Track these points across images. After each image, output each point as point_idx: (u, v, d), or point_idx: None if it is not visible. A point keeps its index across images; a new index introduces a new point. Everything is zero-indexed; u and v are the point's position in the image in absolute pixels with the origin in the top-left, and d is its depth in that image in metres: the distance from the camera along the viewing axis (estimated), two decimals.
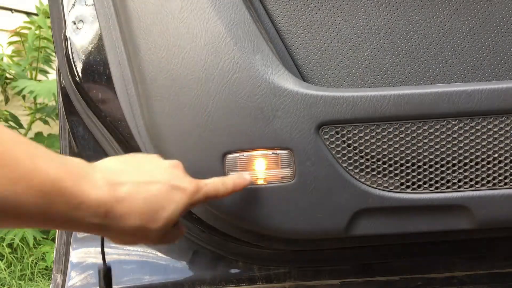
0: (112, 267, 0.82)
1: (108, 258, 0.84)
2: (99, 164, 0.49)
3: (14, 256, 2.70)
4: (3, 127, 0.41)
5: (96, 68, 0.78)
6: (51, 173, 0.42)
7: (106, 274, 0.61)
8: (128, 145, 0.76)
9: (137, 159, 0.54)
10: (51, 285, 0.87)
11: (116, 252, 0.84)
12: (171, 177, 0.53)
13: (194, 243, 0.84)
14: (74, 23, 0.78)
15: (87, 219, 0.45)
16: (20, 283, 2.59)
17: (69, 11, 0.79)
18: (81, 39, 0.78)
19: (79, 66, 0.78)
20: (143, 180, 0.50)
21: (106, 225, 0.47)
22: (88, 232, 0.48)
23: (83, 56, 0.78)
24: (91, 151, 0.86)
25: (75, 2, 0.78)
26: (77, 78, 0.78)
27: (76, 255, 0.85)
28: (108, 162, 0.51)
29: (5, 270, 2.61)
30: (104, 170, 0.48)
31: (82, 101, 0.80)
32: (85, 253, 0.85)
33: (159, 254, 0.84)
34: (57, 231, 0.90)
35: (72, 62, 0.78)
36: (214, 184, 0.58)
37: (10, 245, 2.72)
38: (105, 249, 0.84)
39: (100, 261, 0.81)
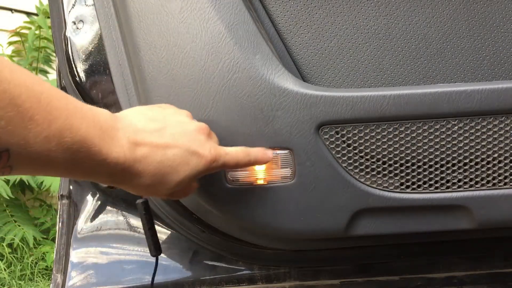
0: (112, 267, 0.82)
1: (108, 258, 0.84)
2: (124, 120, 0.51)
3: (14, 256, 2.71)
4: (40, 80, 0.42)
5: (96, 68, 0.78)
6: (83, 131, 0.43)
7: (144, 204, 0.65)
8: None
9: (165, 118, 0.55)
10: (51, 285, 0.87)
11: (116, 252, 0.84)
12: (191, 142, 0.54)
13: (194, 243, 0.84)
14: (74, 23, 0.78)
15: (106, 173, 0.48)
16: (20, 283, 2.59)
17: (69, 11, 0.79)
18: (81, 39, 0.78)
19: (79, 66, 0.78)
20: (162, 143, 0.52)
21: (121, 179, 0.50)
22: (103, 183, 0.51)
23: (83, 56, 0.78)
24: None
25: (75, 2, 0.79)
26: (77, 78, 0.78)
27: (76, 255, 0.85)
28: (134, 118, 0.52)
29: (5, 270, 2.61)
30: (127, 128, 0.50)
31: (82, 101, 0.80)
32: (85, 253, 0.85)
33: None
34: (57, 231, 0.90)
35: (72, 62, 0.78)
36: (235, 153, 0.59)
37: (10, 245, 2.72)
38: (106, 249, 0.84)
39: (100, 260, 0.81)
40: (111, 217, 0.86)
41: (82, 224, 0.87)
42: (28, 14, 3.26)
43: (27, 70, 0.41)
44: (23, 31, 3.04)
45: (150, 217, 0.66)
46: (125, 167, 0.48)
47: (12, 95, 0.37)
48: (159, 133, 0.52)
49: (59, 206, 0.92)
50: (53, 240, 2.84)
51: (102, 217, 0.87)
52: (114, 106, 0.77)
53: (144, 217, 0.65)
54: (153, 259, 0.66)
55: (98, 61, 0.77)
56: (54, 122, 0.41)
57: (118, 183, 0.51)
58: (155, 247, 0.66)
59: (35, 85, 0.40)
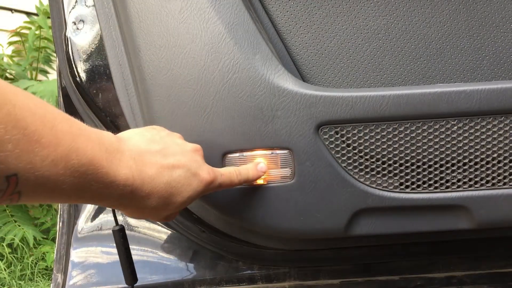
0: (112, 267, 0.82)
1: (108, 258, 0.84)
2: (128, 142, 0.51)
3: (14, 256, 2.71)
4: (45, 103, 0.41)
5: (97, 68, 0.78)
6: (89, 153, 0.43)
7: (121, 231, 0.64)
8: None
9: (162, 139, 0.55)
10: (51, 284, 0.87)
11: (116, 252, 0.84)
12: (192, 163, 0.55)
13: (194, 243, 0.84)
14: (75, 23, 0.78)
15: (113, 196, 0.47)
16: (20, 283, 2.59)
17: (70, 11, 0.79)
18: (81, 39, 0.78)
19: (79, 66, 0.78)
20: (167, 163, 0.52)
21: (129, 202, 0.49)
22: (112, 206, 0.52)
23: (84, 56, 0.78)
24: None
25: (75, 3, 0.79)
26: (78, 78, 0.78)
27: (77, 254, 0.85)
28: (136, 140, 0.53)
29: (5, 270, 2.61)
30: (133, 149, 0.50)
31: (82, 101, 0.80)
32: (85, 253, 0.85)
33: (160, 253, 0.84)
34: (57, 231, 0.90)
35: (72, 62, 0.78)
36: (229, 174, 0.60)
37: (10, 245, 2.72)
38: (106, 249, 0.84)
39: (101, 260, 0.81)
40: (111, 217, 0.86)
41: (83, 224, 0.87)
42: (28, 14, 3.26)
43: (30, 93, 0.41)
44: (23, 31, 3.04)
45: (127, 245, 0.64)
46: (134, 188, 0.48)
47: (17, 118, 0.37)
48: (162, 154, 0.53)
49: (59, 206, 0.92)
50: (53, 240, 2.84)
51: (102, 217, 0.87)
52: (114, 106, 0.77)
53: (122, 245, 0.64)
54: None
55: (98, 61, 0.78)
56: (60, 144, 0.40)
57: (125, 206, 0.51)
58: (132, 277, 0.65)
59: (39, 108, 0.40)
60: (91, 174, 0.43)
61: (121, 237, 0.64)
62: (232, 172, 0.61)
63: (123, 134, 0.54)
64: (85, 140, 0.43)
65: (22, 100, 0.38)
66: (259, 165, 0.65)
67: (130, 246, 0.68)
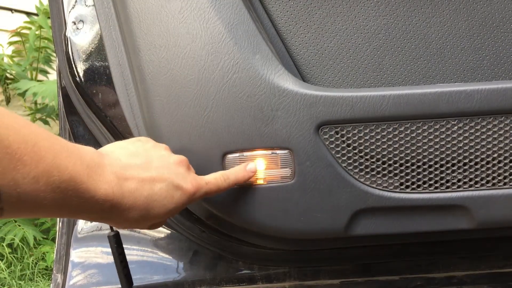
0: (112, 267, 0.82)
1: (108, 259, 0.84)
2: (110, 156, 0.52)
3: (14, 256, 2.71)
4: (28, 122, 0.43)
5: (96, 68, 0.78)
6: (70, 170, 0.44)
7: (115, 237, 0.65)
8: None
9: (146, 152, 0.56)
10: (51, 284, 0.87)
11: None
12: (174, 176, 0.55)
13: (194, 243, 0.84)
14: (74, 23, 0.78)
15: (94, 210, 0.48)
16: (20, 283, 2.59)
17: (69, 11, 0.79)
18: (81, 39, 0.78)
19: (79, 66, 0.78)
20: (149, 176, 0.53)
21: (109, 216, 0.50)
22: (92, 220, 0.52)
23: (83, 56, 0.78)
24: None
25: (75, 3, 0.79)
26: (77, 78, 0.78)
27: (77, 254, 0.85)
28: (118, 153, 0.53)
29: (5, 270, 2.61)
30: (114, 164, 0.51)
31: (82, 101, 0.80)
32: (85, 253, 0.85)
33: (160, 254, 0.84)
34: (57, 231, 0.90)
35: (72, 62, 0.78)
36: (215, 181, 0.60)
37: (10, 245, 2.72)
38: (106, 249, 0.84)
39: (101, 260, 0.81)
40: None
41: (82, 224, 0.87)
42: (28, 14, 3.26)
43: (13, 113, 0.42)
44: (24, 31, 3.04)
45: (122, 250, 0.65)
46: (114, 203, 0.49)
47: (1, 138, 0.38)
48: (144, 167, 0.53)
49: None
50: (53, 240, 2.84)
51: None
52: (114, 106, 0.77)
53: (116, 250, 0.65)
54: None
55: (98, 61, 0.77)
56: (42, 161, 0.41)
57: (107, 220, 0.51)
58: (127, 281, 0.66)
59: (22, 127, 0.41)
60: (72, 190, 0.44)
61: (115, 243, 0.65)
62: (219, 178, 0.61)
63: (105, 148, 0.54)
64: (66, 156, 0.44)
65: (6, 121, 0.39)
66: (248, 166, 0.64)
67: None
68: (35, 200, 0.42)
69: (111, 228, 0.65)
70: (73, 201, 0.45)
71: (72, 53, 0.78)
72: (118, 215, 0.50)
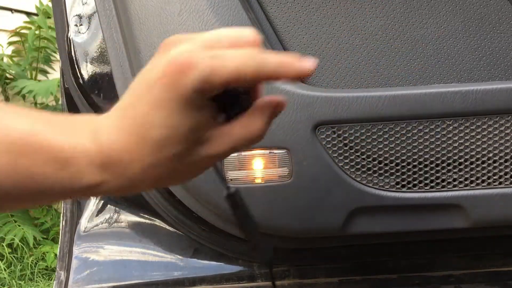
0: (113, 265, 0.83)
1: (111, 256, 0.85)
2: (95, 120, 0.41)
3: (14, 256, 2.71)
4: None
5: (98, 70, 0.79)
6: (19, 128, 0.36)
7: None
8: None
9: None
10: (54, 282, 0.87)
11: (118, 250, 0.85)
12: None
13: (195, 241, 0.84)
14: (76, 25, 0.79)
15: (85, 178, 0.37)
16: (20, 283, 2.59)
17: (72, 13, 0.80)
18: (83, 41, 0.79)
19: (82, 68, 0.79)
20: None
21: (108, 178, 0.38)
22: (90, 195, 0.44)
23: (86, 57, 0.79)
24: None
25: (77, 5, 0.79)
26: (80, 80, 0.79)
27: (80, 252, 0.85)
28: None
29: (5, 270, 2.61)
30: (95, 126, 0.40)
31: (85, 102, 0.81)
32: (88, 251, 0.85)
33: (160, 252, 0.85)
34: (60, 229, 0.90)
35: (75, 64, 0.79)
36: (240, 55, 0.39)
37: (10, 245, 2.72)
38: (107, 246, 0.85)
39: (104, 257, 0.81)
40: (114, 215, 0.87)
41: (85, 222, 0.88)
42: (28, 14, 3.26)
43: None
44: (23, 31, 3.04)
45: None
46: (103, 158, 0.37)
47: None
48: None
49: (62, 205, 0.93)
50: (53, 240, 2.84)
51: (105, 215, 0.88)
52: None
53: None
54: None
55: (100, 62, 0.78)
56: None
57: (105, 190, 0.39)
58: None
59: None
60: (32, 153, 0.35)
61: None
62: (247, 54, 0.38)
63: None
64: (15, 117, 0.37)
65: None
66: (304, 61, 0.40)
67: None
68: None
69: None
70: (44, 169, 0.36)
71: (74, 54, 0.79)
72: (119, 171, 0.38)
